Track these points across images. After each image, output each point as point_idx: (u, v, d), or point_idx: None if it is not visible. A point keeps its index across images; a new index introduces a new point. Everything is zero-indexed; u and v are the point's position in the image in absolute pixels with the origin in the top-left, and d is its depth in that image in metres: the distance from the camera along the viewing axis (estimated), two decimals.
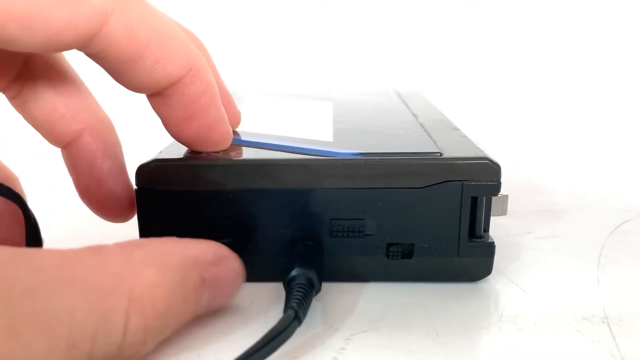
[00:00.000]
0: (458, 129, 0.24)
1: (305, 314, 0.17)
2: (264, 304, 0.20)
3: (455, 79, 0.60)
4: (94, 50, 0.17)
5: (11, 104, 0.21)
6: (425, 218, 0.20)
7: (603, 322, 0.19)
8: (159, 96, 0.19)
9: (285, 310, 0.17)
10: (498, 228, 0.26)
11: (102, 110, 0.21)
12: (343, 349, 0.17)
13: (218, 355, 0.17)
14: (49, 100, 0.20)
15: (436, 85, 0.52)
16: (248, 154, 0.21)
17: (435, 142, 0.21)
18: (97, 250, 0.15)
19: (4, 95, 0.20)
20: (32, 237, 0.20)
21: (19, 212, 0.20)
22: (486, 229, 0.21)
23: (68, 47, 0.16)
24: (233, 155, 0.20)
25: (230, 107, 0.23)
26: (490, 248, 0.20)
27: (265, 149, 0.21)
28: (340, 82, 0.60)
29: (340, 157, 0.20)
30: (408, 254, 0.20)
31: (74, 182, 0.21)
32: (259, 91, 0.35)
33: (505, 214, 0.21)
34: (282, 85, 0.39)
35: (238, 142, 0.22)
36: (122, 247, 0.16)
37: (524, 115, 0.53)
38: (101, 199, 0.21)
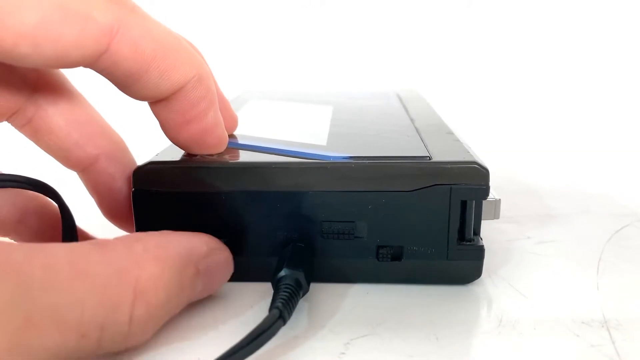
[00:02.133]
0: (452, 133, 0.24)
1: (290, 314, 0.17)
2: (264, 305, 0.20)
3: (455, 82, 0.60)
4: (101, 67, 0.17)
5: (20, 131, 0.21)
6: (415, 221, 0.20)
7: (602, 326, 0.19)
8: (160, 101, 0.19)
9: (270, 310, 0.17)
10: (498, 233, 0.26)
11: (114, 132, 0.22)
12: (343, 353, 0.17)
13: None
14: (62, 128, 0.21)
15: (437, 88, 0.52)
16: (242, 157, 0.21)
17: (426, 146, 0.21)
18: (101, 245, 0.16)
19: (9, 123, 0.21)
20: (69, 232, 0.20)
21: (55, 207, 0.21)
22: (476, 233, 0.21)
23: (76, 65, 0.17)
24: (227, 158, 0.21)
25: (227, 112, 0.23)
26: (479, 251, 0.20)
27: (259, 152, 0.21)
28: (343, 85, 0.60)
29: (331, 160, 0.20)
30: (397, 256, 0.21)
31: (96, 202, 0.22)
32: (264, 96, 0.36)
33: (497, 218, 0.21)
34: (287, 89, 0.40)
35: (234, 146, 0.22)
36: (123, 241, 0.17)
37: (524, 119, 0.53)
38: (127, 217, 0.22)
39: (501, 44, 0.61)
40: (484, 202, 0.21)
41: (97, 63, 0.17)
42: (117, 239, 0.17)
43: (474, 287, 0.21)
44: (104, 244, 0.16)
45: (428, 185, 0.20)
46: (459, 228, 0.20)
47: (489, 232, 0.26)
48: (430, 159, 0.20)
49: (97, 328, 0.14)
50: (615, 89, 0.57)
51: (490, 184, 0.21)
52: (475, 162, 0.20)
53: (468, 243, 0.20)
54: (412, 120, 0.27)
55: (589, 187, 0.33)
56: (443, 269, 0.21)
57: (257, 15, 0.61)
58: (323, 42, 0.62)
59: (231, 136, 0.24)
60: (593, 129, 0.48)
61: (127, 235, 0.18)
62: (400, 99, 0.34)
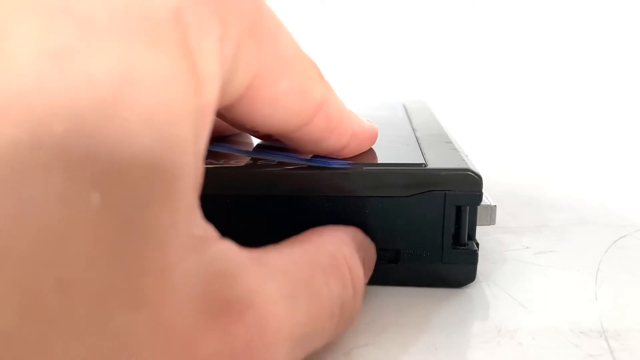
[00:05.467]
0: (451, 142, 0.25)
1: None
2: None
3: (459, 89, 0.60)
4: (294, 135, 0.18)
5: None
6: (411, 225, 0.21)
7: (601, 336, 0.19)
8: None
9: None
10: (496, 243, 0.26)
11: None
12: None
13: None
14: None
15: (441, 96, 0.52)
16: (246, 162, 0.22)
17: (423, 155, 0.22)
18: (316, 232, 0.18)
19: None
20: None
21: None
22: (471, 237, 0.21)
23: (281, 133, 0.18)
24: (232, 164, 0.22)
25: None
26: (472, 255, 0.21)
27: (263, 159, 0.22)
28: (352, 94, 0.61)
29: (331, 166, 0.21)
30: (394, 259, 0.21)
31: None
32: None
33: (494, 224, 0.22)
34: None
35: (239, 152, 0.23)
36: (312, 232, 0.18)
37: (524, 130, 0.53)
38: None
39: (502, 49, 0.61)
40: (479, 208, 0.21)
41: (295, 132, 0.18)
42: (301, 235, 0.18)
43: (473, 296, 0.21)
44: (300, 239, 0.17)
45: (423, 191, 0.20)
46: (454, 232, 0.21)
47: (488, 242, 0.26)
48: (425, 166, 0.20)
49: (338, 306, 0.15)
50: (613, 99, 0.57)
51: (489, 192, 0.21)
52: (468, 169, 0.20)
53: (462, 247, 0.21)
54: (414, 130, 0.28)
55: (587, 198, 0.33)
56: (438, 272, 0.21)
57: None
58: (324, 45, 0.62)
59: (238, 143, 0.24)
60: (592, 141, 0.49)
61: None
62: (406, 110, 0.34)
